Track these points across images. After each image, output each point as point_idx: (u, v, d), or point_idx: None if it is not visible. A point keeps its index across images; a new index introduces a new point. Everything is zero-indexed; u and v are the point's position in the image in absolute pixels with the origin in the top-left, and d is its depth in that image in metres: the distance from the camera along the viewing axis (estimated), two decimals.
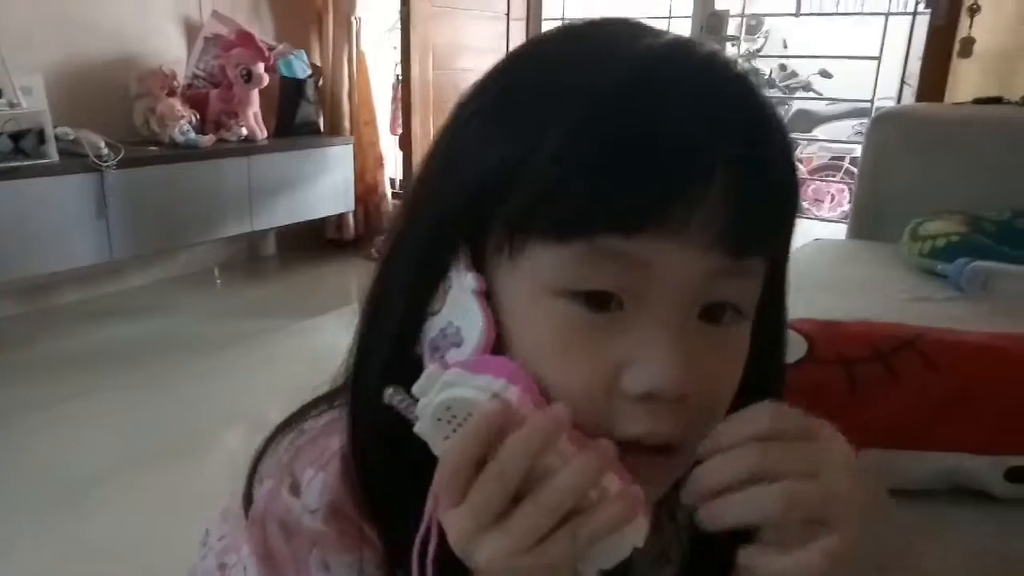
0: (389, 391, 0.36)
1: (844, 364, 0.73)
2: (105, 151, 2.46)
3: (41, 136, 2.36)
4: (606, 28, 0.40)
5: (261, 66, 2.89)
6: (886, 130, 1.78)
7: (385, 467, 0.39)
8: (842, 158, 5.18)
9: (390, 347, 0.40)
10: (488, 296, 0.37)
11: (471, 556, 0.33)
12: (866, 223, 1.81)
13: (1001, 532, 0.69)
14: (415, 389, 0.35)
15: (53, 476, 1.69)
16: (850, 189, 3.78)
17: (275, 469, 0.44)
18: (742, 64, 0.41)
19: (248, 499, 0.46)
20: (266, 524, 0.43)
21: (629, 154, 0.33)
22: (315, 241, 3.55)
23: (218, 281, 3.17)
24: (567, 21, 0.41)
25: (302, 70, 3.14)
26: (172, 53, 2.94)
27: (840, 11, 6.49)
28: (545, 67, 0.39)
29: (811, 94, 5.95)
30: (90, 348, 2.43)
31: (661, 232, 0.34)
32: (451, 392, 0.33)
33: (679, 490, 0.37)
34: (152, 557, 1.38)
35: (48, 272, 2.50)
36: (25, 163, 2.30)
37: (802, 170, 5.60)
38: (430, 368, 0.35)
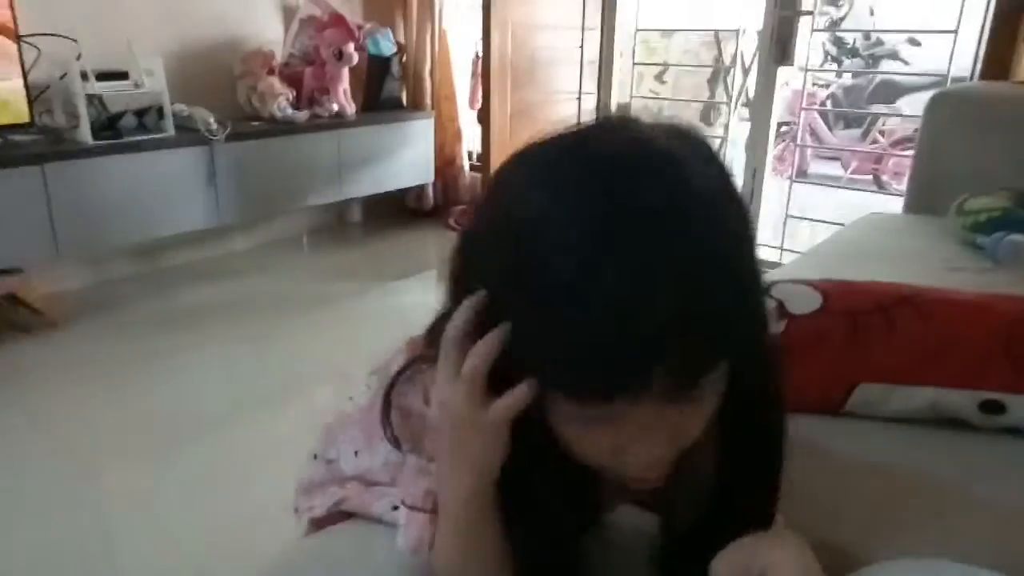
0: None
1: (851, 315, 0.87)
2: (215, 126, 2.72)
3: (160, 113, 2.64)
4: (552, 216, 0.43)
5: (351, 45, 3.10)
6: (944, 110, 1.84)
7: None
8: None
9: None
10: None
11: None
12: (922, 198, 1.89)
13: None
14: None
15: (166, 421, 1.90)
16: None
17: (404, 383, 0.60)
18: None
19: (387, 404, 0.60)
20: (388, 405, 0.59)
21: (581, 364, 0.42)
22: (397, 210, 3.78)
23: (306, 249, 3.43)
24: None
25: (388, 48, 3.34)
26: (271, 34, 3.19)
27: None
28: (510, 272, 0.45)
29: (895, 64, 5.81)
30: (196, 306, 2.70)
31: (625, 400, 0.43)
32: None
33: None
34: (256, 492, 1.56)
35: (166, 235, 2.79)
36: (147, 137, 2.58)
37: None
38: None
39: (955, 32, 2.78)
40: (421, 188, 3.70)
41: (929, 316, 0.85)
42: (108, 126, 2.53)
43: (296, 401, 2.03)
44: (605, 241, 0.41)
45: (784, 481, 0.58)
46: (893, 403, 0.85)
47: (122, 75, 2.51)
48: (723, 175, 0.47)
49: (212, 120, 2.73)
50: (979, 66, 2.29)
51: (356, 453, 0.70)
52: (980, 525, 0.71)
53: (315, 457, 0.79)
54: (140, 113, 2.62)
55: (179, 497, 1.59)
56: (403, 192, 3.67)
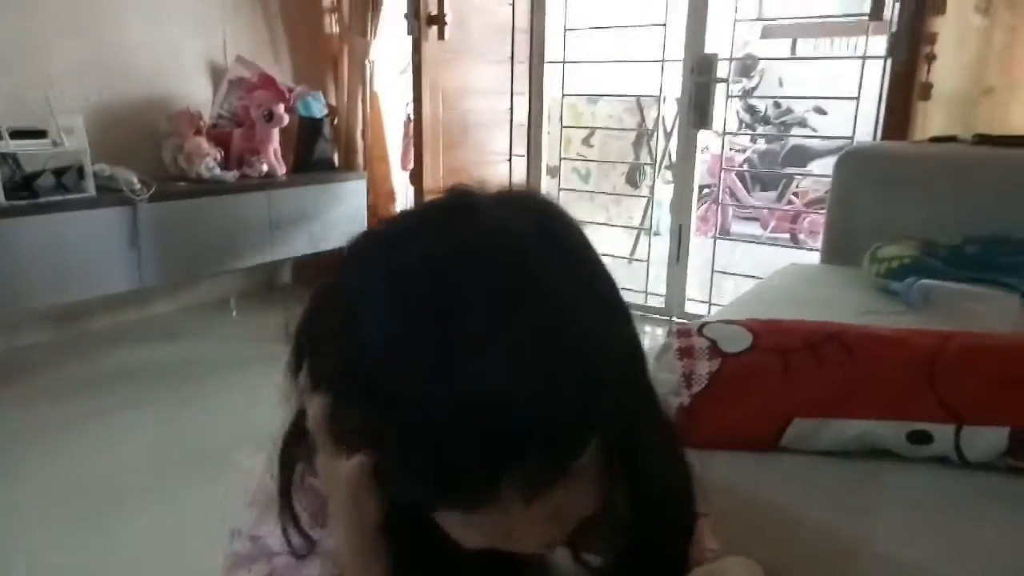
0: None
1: (781, 352, 0.90)
2: (138, 186, 2.66)
3: (81, 172, 2.55)
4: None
5: (281, 107, 3.10)
6: (851, 166, 1.97)
7: None
8: None
9: None
10: None
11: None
12: (836, 249, 1.99)
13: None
14: None
15: (82, 489, 1.80)
16: None
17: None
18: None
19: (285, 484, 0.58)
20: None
21: (435, 480, 0.41)
22: (329, 272, 3.72)
23: (234, 312, 3.34)
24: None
25: (319, 110, 3.36)
26: (199, 95, 3.17)
27: (821, 55, 6.77)
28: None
29: (805, 131, 6.19)
30: (118, 370, 2.58)
31: (488, 509, 0.42)
32: None
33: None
34: (179, 566, 1.48)
35: (83, 299, 2.67)
36: (66, 197, 2.49)
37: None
38: None
39: (856, 99, 2.99)
40: None
41: (854, 351, 0.89)
42: (23, 186, 2.43)
43: (222, 466, 1.94)
44: (427, 349, 0.40)
45: (718, 519, 0.60)
46: (825, 437, 0.88)
47: (40, 133, 2.44)
48: (572, 245, 0.46)
49: (135, 180, 2.66)
50: (880, 129, 2.47)
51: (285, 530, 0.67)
52: (917, 553, 0.73)
53: (238, 534, 0.74)
54: (59, 172, 2.53)
55: (100, 567, 1.49)
56: (335, 253, 3.62)
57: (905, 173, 1.90)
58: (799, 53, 7.10)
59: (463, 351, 0.39)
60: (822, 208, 5.66)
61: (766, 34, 6.62)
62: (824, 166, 5.62)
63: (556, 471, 0.42)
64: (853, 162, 1.97)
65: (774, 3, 6.10)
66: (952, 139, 1.98)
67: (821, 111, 6.07)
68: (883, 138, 2.29)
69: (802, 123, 6.31)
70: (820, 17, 7.18)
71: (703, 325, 0.97)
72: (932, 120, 2.30)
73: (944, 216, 1.82)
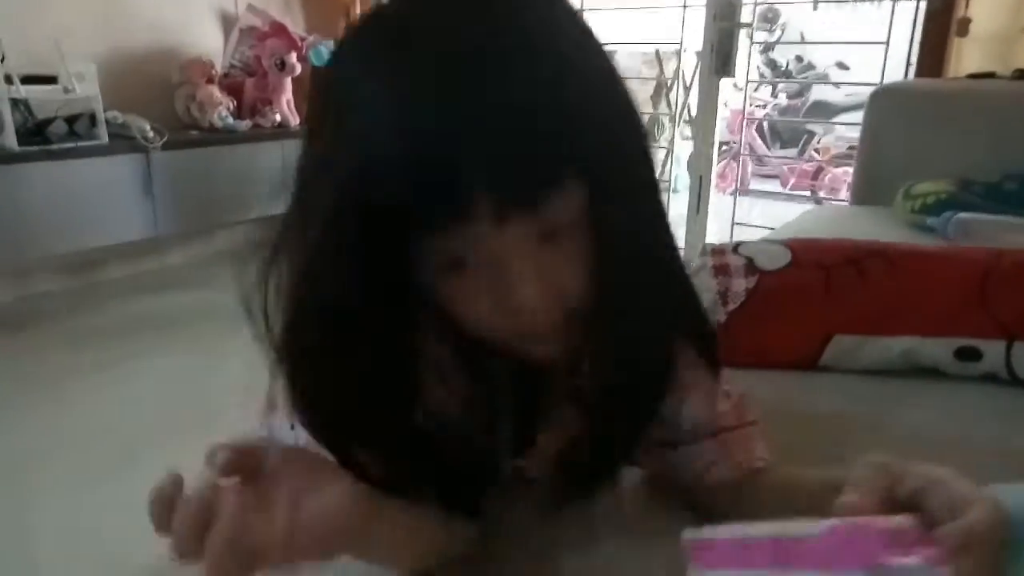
0: None
1: (822, 267, 0.86)
2: (151, 134, 2.62)
3: (93, 119, 2.52)
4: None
5: (294, 55, 3.04)
6: (884, 104, 1.89)
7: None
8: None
9: None
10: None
11: None
12: (866, 190, 1.93)
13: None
14: None
15: (95, 439, 1.77)
16: None
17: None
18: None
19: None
20: None
21: (394, 182, 0.40)
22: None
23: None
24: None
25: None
26: (210, 44, 3.11)
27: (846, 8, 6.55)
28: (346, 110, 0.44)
29: (827, 85, 6.03)
30: (131, 319, 2.57)
31: (461, 224, 0.41)
32: None
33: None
34: None
35: (99, 246, 2.66)
36: (78, 144, 2.46)
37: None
38: None
39: (886, 44, 2.89)
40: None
41: (900, 267, 0.85)
42: (36, 132, 2.40)
43: (238, 416, 1.93)
44: (401, 43, 0.41)
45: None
46: (868, 354, 0.84)
47: (51, 79, 2.40)
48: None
49: (148, 128, 2.62)
50: (911, 71, 2.38)
51: (293, 426, 0.63)
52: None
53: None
54: (71, 120, 2.49)
55: (114, 518, 1.48)
56: None
57: (941, 111, 1.83)
58: (820, 7, 6.90)
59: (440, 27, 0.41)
60: (845, 164, 5.53)
61: None
62: (849, 120, 5.48)
63: (525, 183, 0.41)
64: (887, 100, 1.89)
65: None
66: (991, 75, 1.90)
67: (843, 66, 5.91)
68: (916, 77, 2.21)
69: (824, 79, 6.15)
70: None
71: (738, 244, 0.92)
72: (968, 59, 2.21)
73: (980, 154, 1.75)
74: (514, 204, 0.42)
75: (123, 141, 2.57)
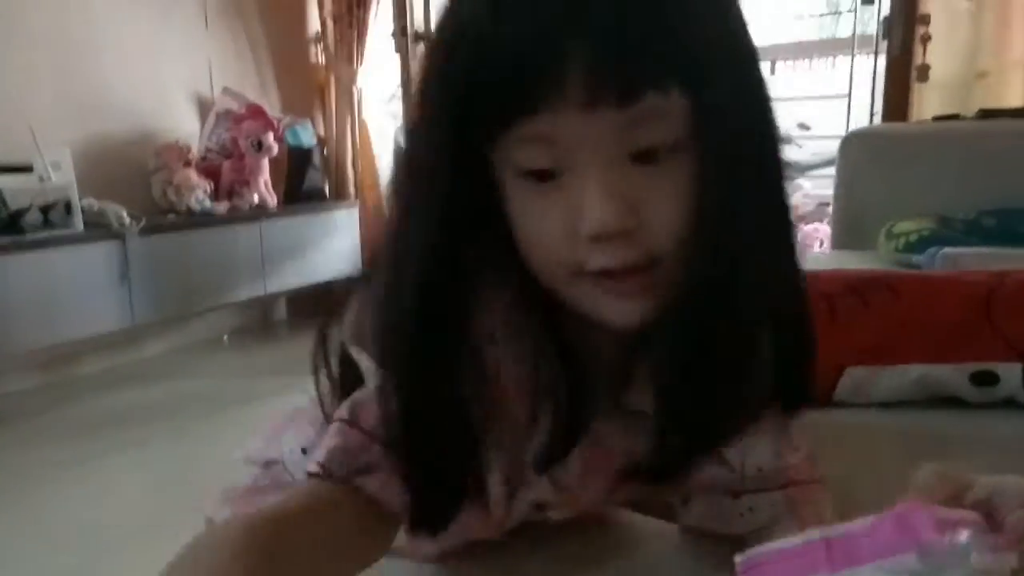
0: None
1: (826, 297, 0.84)
2: (128, 220, 2.60)
3: (68, 207, 2.49)
4: None
5: (270, 136, 3.07)
6: (855, 149, 1.93)
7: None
8: (828, 204, 5.33)
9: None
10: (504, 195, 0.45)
11: None
12: (847, 234, 1.94)
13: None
14: None
15: (78, 535, 1.70)
16: None
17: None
18: None
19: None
20: None
21: (493, 56, 0.40)
22: (324, 305, 3.64)
23: (227, 344, 3.25)
24: None
25: (308, 139, 3.33)
26: (187, 128, 3.13)
27: (809, 56, 6.78)
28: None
29: (790, 145, 6.21)
30: (109, 413, 2.47)
31: (552, 107, 0.40)
32: None
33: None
34: None
35: (73, 339, 2.58)
36: (53, 233, 2.43)
37: None
38: None
39: (848, 96, 2.99)
40: (348, 280, 3.61)
41: (903, 293, 0.83)
42: (9, 223, 2.37)
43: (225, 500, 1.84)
44: None
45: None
46: (882, 386, 0.81)
47: (26, 168, 2.39)
48: None
49: (125, 214, 2.60)
50: (876, 119, 2.45)
51: (304, 451, 0.59)
52: None
53: (245, 462, 0.66)
54: (46, 209, 2.46)
55: None
56: (329, 286, 3.56)
57: (911, 152, 1.87)
58: (778, 70, 7.16)
59: None
60: (814, 221, 5.62)
61: None
62: (813, 180, 5.60)
63: (622, 70, 0.39)
64: (858, 143, 1.93)
65: (754, 29, 6.12)
66: (955, 117, 1.95)
67: (805, 127, 6.10)
68: (882, 122, 2.27)
69: (786, 139, 6.34)
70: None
71: None
72: (929, 105, 2.28)
73: (954, 192, 1.78)
74: (606, 88, 0.39)
75: (99, 229, 2.55)
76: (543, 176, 0.43)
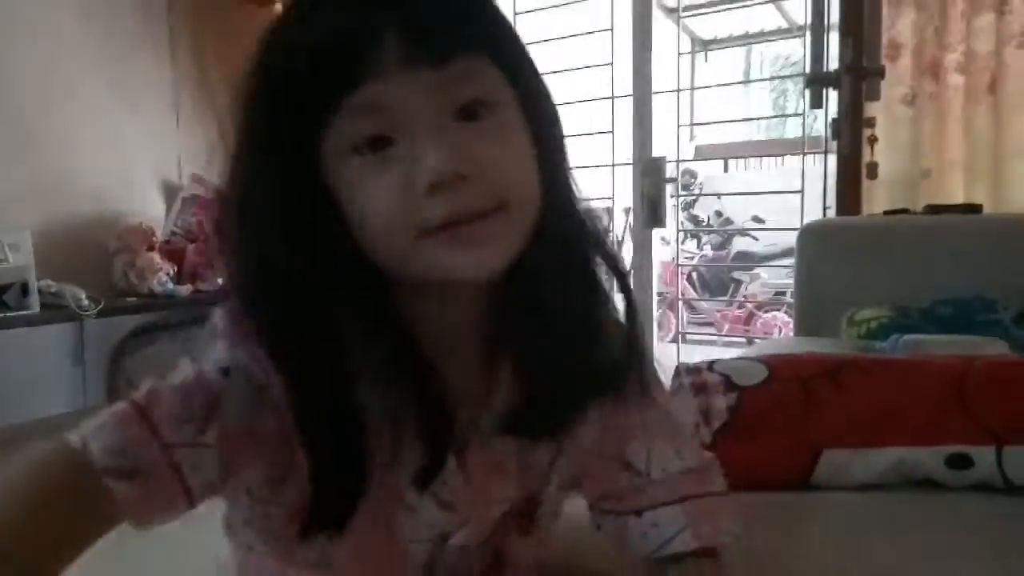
0: None
1: (799, 380, 0.85)
2: (86, 302, 2.54)
3: (25, 289, 2.44)
4: None
5: None
6: (812, 241, 2.01)
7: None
8: (784, 292, 5.50)
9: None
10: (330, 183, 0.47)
11: None
12: (808, 322, 1.99)
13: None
14: None
15: None
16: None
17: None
18: None
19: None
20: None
21: (311, 39, 0.45)
22: None
23: None
24: None
25: None
26: (151, 212, 3.11)
27: (762, 153, 7.12)
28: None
29: (746, 238, 6.43)
30: None
31: (375, 73, 0.43)
32: None
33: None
34: None
35: (25, 420, 2.48)
36: (8, 315, 2.37)
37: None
38: None
39: (801, 191, 3.12)
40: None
41: (876, 375, 0.85)
42: None
43: None
44: None
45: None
46: (859, 469, 0.82)
47: None
48: None
49: (83, 296, 2.55)
50: (830, 213, 2.55)
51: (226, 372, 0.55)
52: None
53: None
54: (2, 290, 2.41)
55: None
56: None
57: (867, 243, 1.95)
58: (730, 169, 7.49)
59: None
60: (773, 309, 5.75)
61: (699, 155, 7.00)
62: (769, 270, 5.79)
63: (436, 30, 0.44)
64: (815, 234, 2.01)
65: (706, 129, 6.42)
66: (905, 211, 2.05)
67: (759, 219, 6.34)
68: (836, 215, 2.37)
69: (742, 232, 6.57)
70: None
71: (712, 363, 0.92)
72: (879, 201, 2.39)
73: (908, 283, 1.85)
74: (421, 48, 0.43)
75: (56, 311, 2.49)
76: (377, 145, 0.45)
